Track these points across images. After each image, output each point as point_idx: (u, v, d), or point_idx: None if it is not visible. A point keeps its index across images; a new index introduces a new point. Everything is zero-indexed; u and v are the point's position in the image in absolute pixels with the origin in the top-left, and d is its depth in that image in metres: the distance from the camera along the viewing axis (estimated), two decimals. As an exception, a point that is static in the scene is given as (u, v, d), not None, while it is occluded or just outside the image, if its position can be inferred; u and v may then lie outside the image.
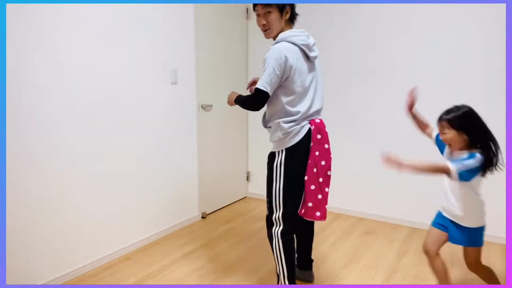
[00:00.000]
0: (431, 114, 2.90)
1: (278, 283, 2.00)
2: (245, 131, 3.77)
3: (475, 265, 1.88)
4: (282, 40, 1.87)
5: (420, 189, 3.01)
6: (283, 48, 1.82)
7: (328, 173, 1.96)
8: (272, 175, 1.96)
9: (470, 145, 1.69)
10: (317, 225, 3.11)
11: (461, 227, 1.80)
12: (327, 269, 2.36)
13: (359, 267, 2.39)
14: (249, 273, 2.32)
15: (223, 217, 3.31)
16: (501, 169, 1.68)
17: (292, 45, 1.85)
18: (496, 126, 2.63)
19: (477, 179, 1.71)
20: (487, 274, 1.92)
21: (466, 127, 1.68)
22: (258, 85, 1.83)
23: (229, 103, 2.07)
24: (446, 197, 1.82)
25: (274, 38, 1.95)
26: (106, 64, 2.34)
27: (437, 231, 1.88)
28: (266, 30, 1.92)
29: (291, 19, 1.96)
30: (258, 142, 3.73)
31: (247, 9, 3.62)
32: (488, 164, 1.66)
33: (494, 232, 2.75)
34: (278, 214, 1.95)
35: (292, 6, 1.94)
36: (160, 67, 2.73)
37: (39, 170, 2.03)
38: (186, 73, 2.97)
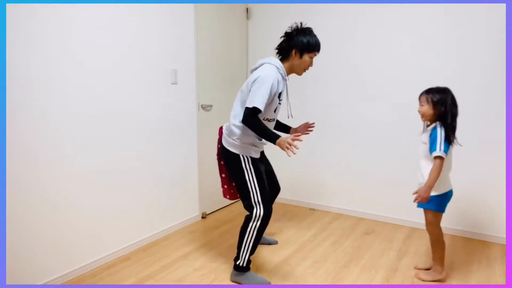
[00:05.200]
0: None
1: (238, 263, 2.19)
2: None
3: (431, 225, 2.18)
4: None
5: (420, 189, 3.01)
6: None
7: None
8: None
9: (438, 119, 2.07)
10: (317, 225, 3.11)
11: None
12: (327, 269, 2.36)
13: (359, 267, 2.39)
14: (249, 273, 2.32)
15: (223, 217, 3.30)
16: (459, 145, 2.13)
17: None
18: (496, 126, 2.65)
19: (449, 148, 2.05)
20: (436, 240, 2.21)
21: (439, 104, 2.05)
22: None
23: None
24: (421, 175, 2.15)
25: None
26: (106, 64, 2.34)
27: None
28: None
29: None
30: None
31: (247, 9, 3.63)
32: (451, 134, 2.04)
33: (494, 232, 2.76)
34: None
35: None
36: (160, 67, 2.73)
37: (39, 170, 2.03)
38: (186, 73, 2.97)
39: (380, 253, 2.58)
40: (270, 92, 2.01)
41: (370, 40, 3.08)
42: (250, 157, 2.16)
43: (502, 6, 2.55)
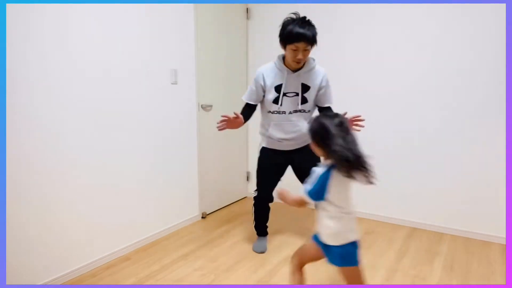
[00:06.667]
0: (430, 114, 2.91)
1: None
2: (245, 131, 3.77)
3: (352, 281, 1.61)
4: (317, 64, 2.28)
5: (420, 189, 3.01)
6: None
7: None
8: None
9: (328, 155, 1.52)
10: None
11: (328, 246, 1.60)
12: (327, 269, 2.36)
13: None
14: (249, 273, 2.32)
15: (223, 217, 3.30)
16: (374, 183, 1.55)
17: None
18: (496, 126, 2.65)
19: (334, 191, 1.52)
20: None
21: (315, 139, 1.57)
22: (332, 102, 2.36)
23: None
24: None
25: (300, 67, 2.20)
26: (106, 64, 2.34)
27: (312, 244, 1.71)
28: (300, 62, 2.13)
29: None
30: (258, 142, 3.74)
31: (247, 9, 3.62)
32: (343, 166, 1.49)
33: (494, 232, 2.76)
34: None
35: None
36: (160, 67, 2.73)
37: (39, 170, 2.03)
38: (186, 73, 2.97)
39: (380, 253, 2.58)
40: (255, 86, 2.25)
41: (374, 39, 3.08)
42: (263, 146, 2.48)
43: (502, 6, 2.55)
